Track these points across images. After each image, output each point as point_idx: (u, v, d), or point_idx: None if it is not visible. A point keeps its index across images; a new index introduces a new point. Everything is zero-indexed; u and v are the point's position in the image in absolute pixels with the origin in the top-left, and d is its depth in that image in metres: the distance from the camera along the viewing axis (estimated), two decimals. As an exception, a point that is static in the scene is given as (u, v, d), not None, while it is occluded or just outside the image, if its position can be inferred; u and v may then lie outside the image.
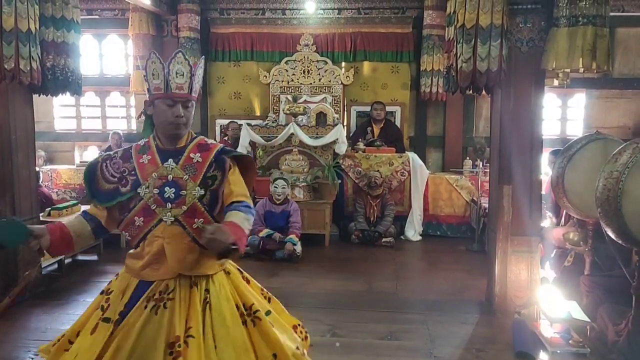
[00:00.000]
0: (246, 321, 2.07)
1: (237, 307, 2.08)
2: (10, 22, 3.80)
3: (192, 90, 2.07)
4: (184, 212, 2.01)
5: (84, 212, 2.18)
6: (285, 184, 5.70)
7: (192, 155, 2.08)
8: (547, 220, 4.63)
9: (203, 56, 2.31)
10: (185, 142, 2.12)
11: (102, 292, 2.14)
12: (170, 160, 2.06)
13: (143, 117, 2.18)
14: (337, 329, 3.72)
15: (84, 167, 2.19)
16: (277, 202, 5.70)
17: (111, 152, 2.17)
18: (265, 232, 5.56)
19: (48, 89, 4.26)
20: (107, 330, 1.96)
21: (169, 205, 2.01)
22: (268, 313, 2.16)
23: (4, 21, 3.77)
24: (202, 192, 2.04)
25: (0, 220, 2.04)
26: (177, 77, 2.02)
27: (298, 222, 5.67)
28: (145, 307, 1.97)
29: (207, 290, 2.05)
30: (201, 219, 2.02)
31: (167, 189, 2.02)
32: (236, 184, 2.12)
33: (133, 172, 2.07)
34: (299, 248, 5.46)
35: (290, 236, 5.49)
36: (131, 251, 2.12)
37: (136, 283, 2.05)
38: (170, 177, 2.03)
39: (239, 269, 2.25)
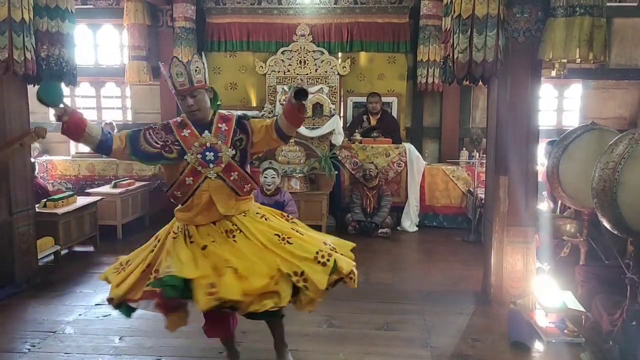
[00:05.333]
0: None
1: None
2: (3, 12, 3.77)
3: (192, 82, 2.63)
4: (223, 169, 2.65)
5: (109, 132, 2.67)
6: (275, 173, 5.33)
7: (219, 125, 2.71)
8: (544, 204, 4.62)
9: (195, 53, 2.84)
10: (210, 117, 2.74)
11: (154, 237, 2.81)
12: (206, 131, 2.67)
13: None
14: (333, 319, 3.74)
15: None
16: (268, 193, 5.29)
17: (152, 124, 2.75)
18: None
19: (43, 80, 4.22)
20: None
21: (211, 165, 2.64)
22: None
23: (-3, 11, 3.73)
24: (234, 152, 2.67)
25: (46, 81, 2.76)
26: (178, 77, 2.62)
27: (295, 212, 5.61)
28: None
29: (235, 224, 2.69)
30: (236, 172, 2.67)
31: (207, 153, 2.64)
32: (261, 122, 2.78)
33: (177, 143, 2.65)
34: None
35: None
36: (180, 207, 2.73)
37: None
38: (208, 144, 2.65)
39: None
